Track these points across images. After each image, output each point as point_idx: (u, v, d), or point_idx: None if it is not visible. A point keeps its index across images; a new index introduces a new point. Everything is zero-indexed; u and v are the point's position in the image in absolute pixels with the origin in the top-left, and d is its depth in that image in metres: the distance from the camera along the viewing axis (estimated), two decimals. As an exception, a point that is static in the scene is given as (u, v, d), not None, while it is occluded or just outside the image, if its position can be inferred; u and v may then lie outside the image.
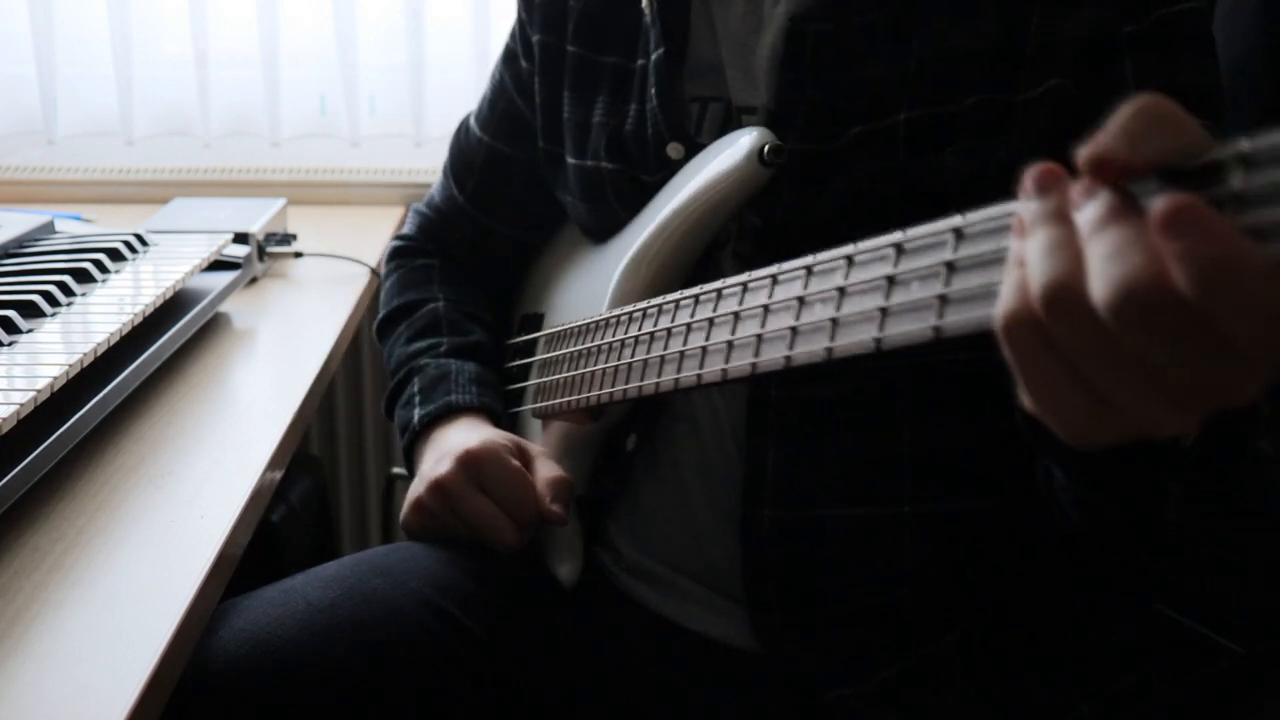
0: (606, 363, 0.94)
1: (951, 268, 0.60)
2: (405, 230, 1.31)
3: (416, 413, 1.09)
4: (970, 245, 0.59)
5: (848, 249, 0.68)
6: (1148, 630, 0.96)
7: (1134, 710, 0.93)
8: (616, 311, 0.94)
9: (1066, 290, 0.49)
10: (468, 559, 1.00)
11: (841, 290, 0.67)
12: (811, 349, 0.69)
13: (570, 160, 1.07)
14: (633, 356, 0.90)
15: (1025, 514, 0.93)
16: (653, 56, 0.99)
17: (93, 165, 2.02)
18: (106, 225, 1.65)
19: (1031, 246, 0.51)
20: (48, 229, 1.38)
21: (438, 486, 0.99)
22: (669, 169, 0.98)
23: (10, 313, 1.01)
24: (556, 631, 1.00)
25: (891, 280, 0.64)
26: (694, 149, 0.97)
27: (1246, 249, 0.44)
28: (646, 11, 1.00)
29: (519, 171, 1.18)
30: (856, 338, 0.65)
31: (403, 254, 1.28)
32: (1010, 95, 0.87)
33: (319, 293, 1.49)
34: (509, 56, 1.18)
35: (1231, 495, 0.72)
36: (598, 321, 0.97)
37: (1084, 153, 0.49)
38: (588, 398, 0.96)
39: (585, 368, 0.97)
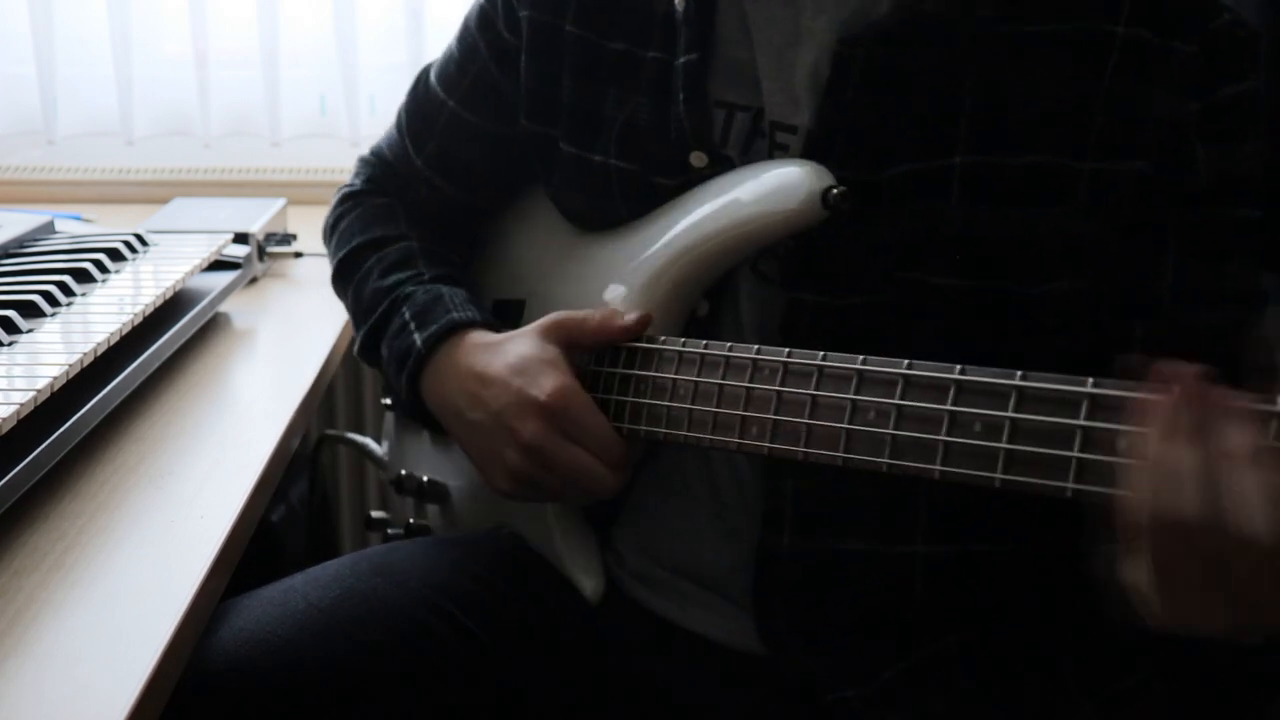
0: (638, 396, 0.91)
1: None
2: (353, 180, 1.22)
3: (417, 337, 1.00)
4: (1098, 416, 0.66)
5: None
6: (1148, 630, 0.95)
7: (1134, 710, 0.92)
8: (688, 347, 0.90)
9: (1224, 520, 0.57)
10: (468, 559, 1.00)
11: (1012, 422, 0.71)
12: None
13: (568, 148, 1.02)
14: (671, 400, 0.89)
15: (1039, 559, 0.92)
16: (682, 59, 0.94)
17: (93, 165, 2.02)
18: (106, 225, 1.65)
19: (1176, 458, 0.59)
20: (48, 229, 1.38)
21: (530, 450, 0.91)
22: (689, 175, 0.95)
23: (10, 313, 1.01)
24: (557, 631, 1.00)
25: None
26: (718, 159, 0.94)
27: None
28: (679, 9, 0.94)
29: (485, 141, 1.11)
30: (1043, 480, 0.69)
31: (356, 196, 1.19)
32: (1075, 161, 0.86)
33: (319, 293, 1.49)
34: (485, 22, 1.08)
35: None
36: (647, 348, 0.93)
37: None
38: (636, 429, 0.92)
39: (608, 394, 0.93)
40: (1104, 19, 0.86)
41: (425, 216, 1.16)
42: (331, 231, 1.18)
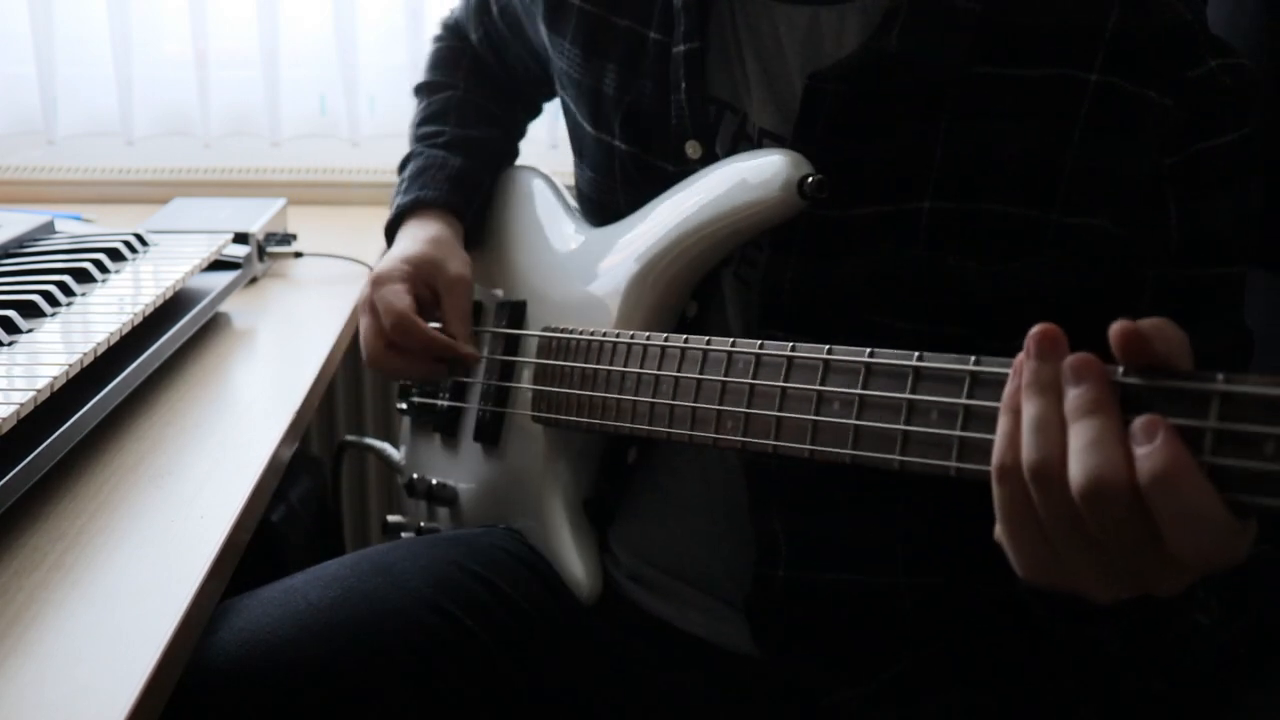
0: (624, 393, 0.91)
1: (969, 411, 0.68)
2: (450, 12, 1.33)
3: (398, 200, 1.16)
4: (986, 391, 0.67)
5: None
6: (1146, 631, 0.95)
7: (1134, 710, 0.93)
8: (642, 340, 0.91)
9: (1050, 470, 0.59)
10: (468, 558, 1.00)
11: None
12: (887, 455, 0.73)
13: (586, 126, 1.04)
14: (654, 396, 0.88)
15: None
16: (682, 47, 0.95)
17: (93, 165, 2.02)
18: (106, 225, 1.65)
19: (1026, 411, 0.60)
20: (48, 229, 1.37)
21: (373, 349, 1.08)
22: (684, 164, 0.96)
23: (10, 313, 1.01)
24: (556, 632, 1.00)
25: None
26: (711, 153, 0.95)
27: (1200, 479, 0.55)
28: None
29: (517, 54, 1.21)
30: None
31: (447, 29, 1.32)
32: (1042, 213, 0.84)
33: (319, 293, 1.49)
34: None
35: (1161, 655, 0.85)
36: (613, 342, 0.93)
37: (1117, 327, 0.58)
38: (600, 424, 0.94)
39: (595, 390, 0.94)
40: (1078, 65, 0.83)
41: (483, 72, 1.28)
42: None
